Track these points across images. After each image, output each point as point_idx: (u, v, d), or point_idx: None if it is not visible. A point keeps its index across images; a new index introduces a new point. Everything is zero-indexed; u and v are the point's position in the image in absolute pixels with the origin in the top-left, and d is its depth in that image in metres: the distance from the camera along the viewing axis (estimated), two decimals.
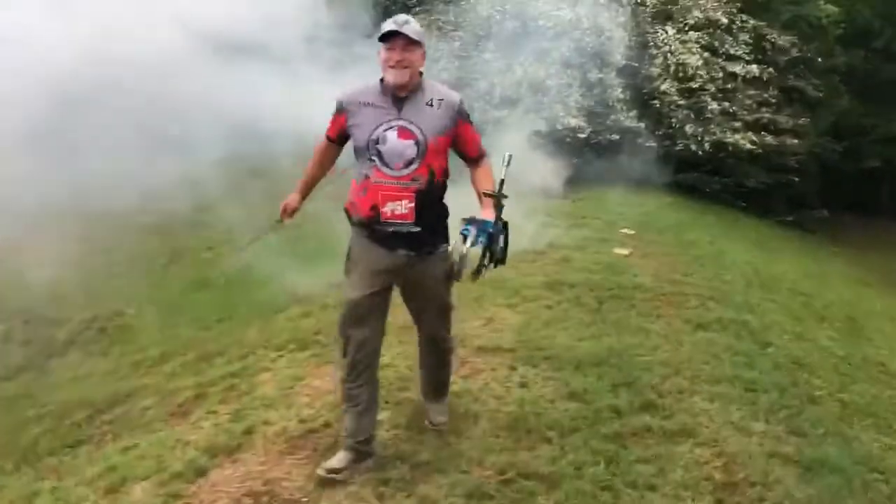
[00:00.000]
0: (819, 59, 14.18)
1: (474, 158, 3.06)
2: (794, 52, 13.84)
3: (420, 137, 2.83)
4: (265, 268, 7.05)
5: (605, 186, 12.53)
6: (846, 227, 16.37)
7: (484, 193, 2.95)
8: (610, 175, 12.97)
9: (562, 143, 12.38)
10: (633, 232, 8.75)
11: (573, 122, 12.21)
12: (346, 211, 3.04)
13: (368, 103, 2.88)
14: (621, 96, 12.78)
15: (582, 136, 12.31)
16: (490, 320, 5.11)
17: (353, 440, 3.04)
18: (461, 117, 2.96)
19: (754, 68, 12.94)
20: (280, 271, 6.87)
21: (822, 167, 15.43)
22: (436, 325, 3.20)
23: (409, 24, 2.81)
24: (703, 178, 13.43)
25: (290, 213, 3.19)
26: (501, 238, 2.99)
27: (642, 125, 12.87)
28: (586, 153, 12.81)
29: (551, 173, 11.65)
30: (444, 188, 2.99)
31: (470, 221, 2.88)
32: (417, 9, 13.21)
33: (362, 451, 3.05)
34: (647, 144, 13.04)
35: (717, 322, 5.27)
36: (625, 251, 7.55)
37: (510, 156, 3.04)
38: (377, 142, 2.84)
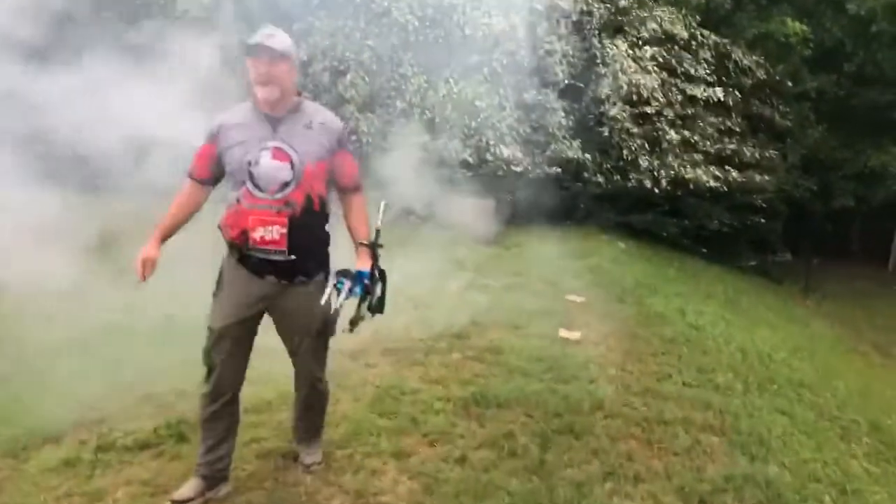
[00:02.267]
0: (789, 83, 12.91)
1: (347, 189, 2.99)
2: (761, 74, 12.55)
3: (296, 160, 2.80)
4: None
5: (545, 230, 10.89)
6: (815, 274, 15.13)
7: (360, 243, 2.98)
8: (551, 216, 11.35)
9: (493, 177, 10.67)
10: (582, 299, 6.98)
11: (507, 151, 10.52)
12: (220, 230, 2.93)
13: (241, 124, 2.84)
14: (564, 122, 11.19)
15: (517, 168, 10.62)
16: (359, 496, 3.16)
17: (207, 467, 3.02)
18: (341, 146, 2.94)
19: (718, 91, 11.53)
20: None
21: (790, 206, 14.15)
22: (309, 361, 3.10)
23: (274, 36, 2.75)
24: (659, 219, 11.93)
25: (151, 266, 2.88)
26: (378, 288, 3.02)
27: (588, 157, 11.32)
28: (522, 189, 11.10)
29: (480, 214, 9.93)
30: (323, 216, 2.93)
31: (344, 274, 2.92)
32: (321, 13, 11.33)
33: (216, 476, 3.04)
34: (595, 179, 11.45)
35: (729, 483, 3.47)
36: (574, 334, 5.74)
37: (386, 204, 3.06)
38: (250, 164, 2.78)
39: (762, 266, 14.27)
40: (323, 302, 2.87)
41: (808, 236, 15.04)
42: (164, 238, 2.94)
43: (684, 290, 9.03)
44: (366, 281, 2.92)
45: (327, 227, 2.96)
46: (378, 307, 3.03)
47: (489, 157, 10.58)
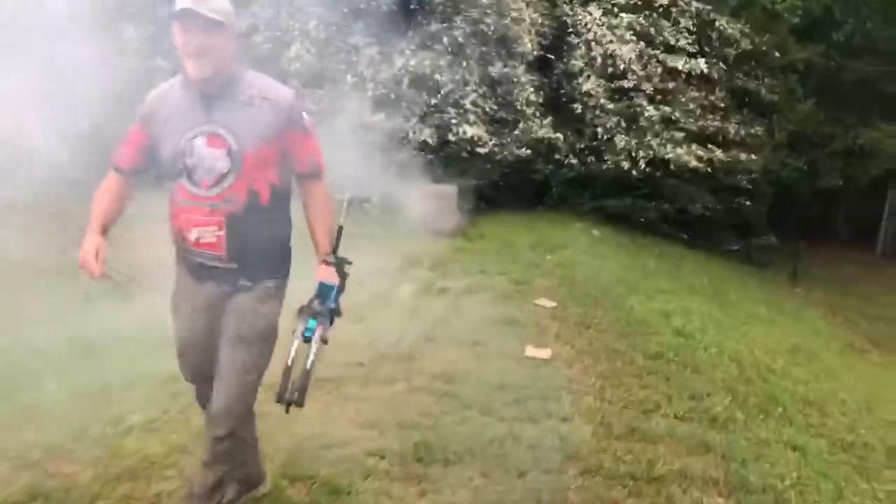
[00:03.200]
0: (775, 54, 12.14)
1: (303, 176, 2.47)
2: (745, 45, 11.78)
3: (234, 146, 2.33)
4: None
5: (514, 218, 10.09)
6: (800, 257, 14.48)
7: (324, 260, 2.45)
8: (519, 202, 10.54)
9: (455, 158, 9.83)
10: (552, 304, 6.16)
11: (470, 131, 9.67)
12: None
13: (172, 104, 2.41)
14: (533, 98, 10.33)
15: (482, 150, 9.78)
16: None
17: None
18: (291, 124, 2.39)
19: (700, 63, 10.73)
20: None
21: (775, 187, 13.45)
22: (224, 385, 2.48)
23: (208, 0, 2.27)
24: (637, 203, 11.16)
25: (104, 254, 2.42)
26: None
27: (560, 136, 10.49)
28: (487, 172, 10.28)
29: (441, 202, 9.11)
30: (277, 211, 2.43)
31: (312, 313, 2.37)
32: None
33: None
34: (567, 161, 10.63)
35: None
36: (544, 352, 4.92)
37: (350, 198, 2.57)
38: (183, 153, 2.36)
39: (745, 251, 13.60)
40: (289, 362, 2.39)
41: (795, 218, 14.38)
42: (105, 229, 2.51)
43: (667, 286, 8.27)
44: (332, 303, 2.41)
45: (283, 222, 2.50)
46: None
47: (451, 137, 9.76)
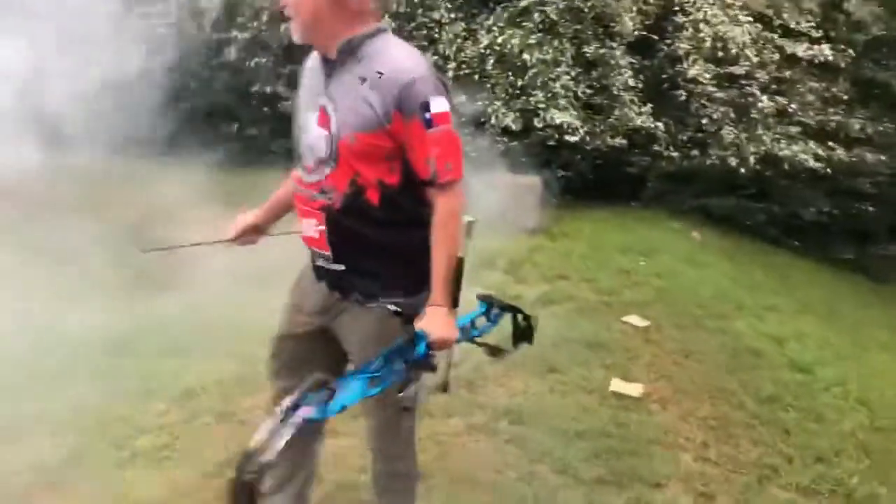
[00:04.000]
0: None
1: (424, 183, 1.97)
2: (877, 30, 10.49)
3: (333, 128, 1.97)
4: None
5: (604, 215, 9.26)
6: None
7: (429, 304, 1.94)
8: (611, 197, 9.69)
9: (542, 147, 9.07)
10: (645, 323, 5.34)
11: (559, 117, 8.85)
12: None
13: (307, 72, 2.12)
14: (631, 82, 9.42)
15: (572, 138, 8.95)
16: None
17: None
18: (401, 108, 1.87)
19: (825, 50, 9.55)
20: None
21: None
22: (370, 426, 2.27)
23: None
24: (743, 205, 10.12)
25: (239, 230, 2.37)
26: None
27: (660, 126, 9.54)
28: (576, 163, 9.45)
29: (523, 194, 8.36)
30: (393, 217, 2.00)
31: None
32: None
33: None
34: (667, 154, 9.68)
35: None
36: (634, 388, 4.15)
37: (472, 222, 2.31)
38: (301, 129, 2.10)
39: (860, 260, 12.25)
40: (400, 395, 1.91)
41: None
42: (267, 213, 2.40)
43: (776, 302, 7.31)
44: (402, 359, 1.85)
45: (406, 231, 2.04)
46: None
47: (537, 123, 8.96)
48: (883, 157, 10.31)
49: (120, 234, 6.36)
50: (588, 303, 5.81)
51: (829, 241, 11.33)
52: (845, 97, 10.40)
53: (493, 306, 2.24)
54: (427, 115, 1.87)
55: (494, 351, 2.32)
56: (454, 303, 1.95)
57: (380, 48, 1.94)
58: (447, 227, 1.95)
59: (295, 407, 1.72)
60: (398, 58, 1.92)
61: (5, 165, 9.32)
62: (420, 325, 1.88)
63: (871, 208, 10.89)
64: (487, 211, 8.24)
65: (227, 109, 11.23)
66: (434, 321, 1.88)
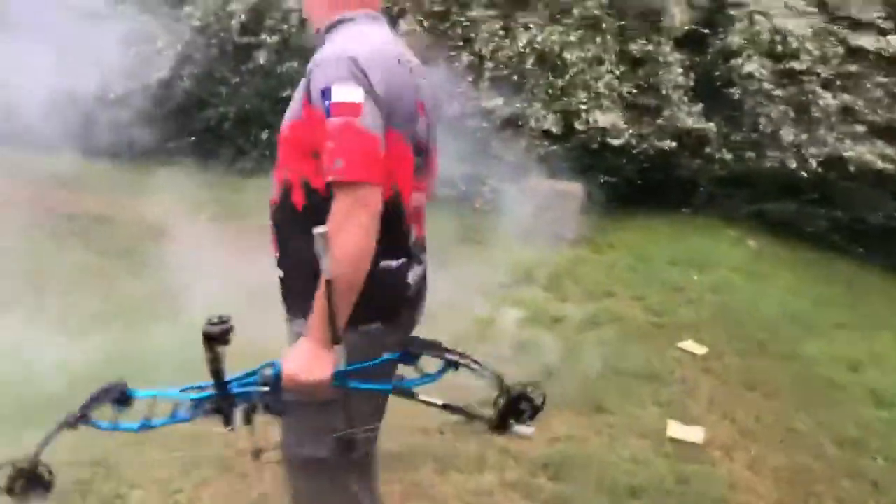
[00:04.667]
0: None
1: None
2: None
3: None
4: None
5: (650, 222, 8.70)
6: None
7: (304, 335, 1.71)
8: (658, 202, 9.13)
9: (584, 150, 8.55)
10: (703, 350, 4.81)
11: (603, 118, 8.32)
12: None
13: None
14: (681, 80, 8.83)
15: (616, 141, 8.42)
16: None
17: None
18: (309, 95, 1.72)
19: (893, 41, 8.83)
20: None
21: None
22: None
23: None
24: (805, 210, 9.41)
25: None
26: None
27: (712, 126, 8.93)
28: (621, 167, 8.91)
29: (564, 200, 7.86)
30: (311, 222, 1.63)
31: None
32: None
33: None
34: (720, 156, 9.07)
35: None
36: (694, 432, 3.62)
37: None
38: None
39: None
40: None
41: None
42: None
43: (846, 319, 6.67)
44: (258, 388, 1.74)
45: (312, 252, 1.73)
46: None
47: (579, 125, 8.44)
48: None
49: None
50: (638, 325, 5.28)
51: (891, 248, 10.54)
52: None
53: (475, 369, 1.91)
54: (327, 103, 1.64)
55: (468, 416, 2.01)
56: (334, 338, 1.63)
57: (334, 36, 1.81)
58: (338, 230, 1.61)
59: (82, 414, 1.74)
60: (335, 43, 1.76)
61: (39, 171, 9.15)
62: (284, 357, 1.68)
63: None
64: (527, 219, 7.79)
65: (258, 115, 10.91)
66: (295, 356, 1.66)
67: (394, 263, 1.80)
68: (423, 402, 1.93)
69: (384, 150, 1.66)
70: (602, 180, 8.81)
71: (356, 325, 1.72)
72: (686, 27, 8.94)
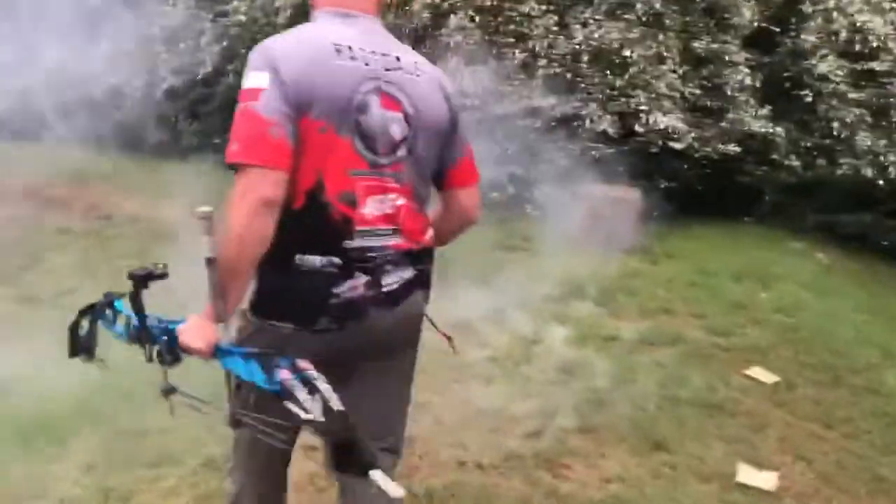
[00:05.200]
0: None
1: None
2: None
3: None
4: None
5: (712, 231, 8.27)
6: None
7: None
8: (720, 210, 8.68)
9: (642, 154, 8.16)
10: (773, 379, 4.40)
11: (664, 120, 7.91)
12: None
13: None
14: (748, 81, 8.36)
15: (678, 144, 8.00)
16: None
17: None
18: None
19: None
20: None
21: None
22: None
23: None
24: (879, 222, 8.82)
25: None
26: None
27: (780, 130, 8.44)
28: (682, 173, 8.47)
29: (620, 207, 7.48)
30: None
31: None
32: None
33: None
34: (788, 163, 8.56)
35: None
36: (767, 478, 3.24)
37: (208, 213, 1.67)
38: None
39: None
40: None
41: None
42: None
43: None
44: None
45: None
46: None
47: (638, 127, 8.06)
48: None
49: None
50: (699, 347, 4.87)
51: None
52: None
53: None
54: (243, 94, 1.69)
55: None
56: (217, 316, 1.68)
57: None
58: (228, 211, 1.63)
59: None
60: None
61: (83, 164, 9.10)
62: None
63: None
64: (578, 227, 7.41)
65: None
66: (189, 322, 1.71)
67: (317, 262, 1.71)
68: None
69: (290, 137, 1.61)
70: (661, 186, 8.38)
71: (267, 317, 1.76)
72: (756, 24, 8.45)
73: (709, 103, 8.46)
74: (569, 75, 8.40)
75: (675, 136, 7.96)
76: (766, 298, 6.06)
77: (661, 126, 7.89)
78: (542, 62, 8.38)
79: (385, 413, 1.99)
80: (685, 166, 8.41)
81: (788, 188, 8.94)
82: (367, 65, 1.72)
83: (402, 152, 1.78)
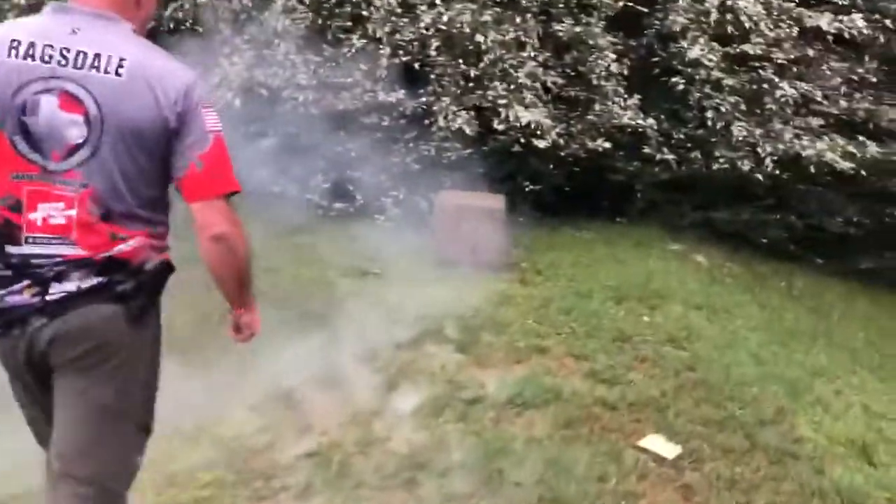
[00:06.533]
0: None
1: None
2: None
3: None
4: None
5: (584, 236, 7.55)
6: None
7: None
8: (591, 212, 7.99)
9: (504, 154, 7.28)
10: (675, 451, 3.55)
11: (526, 115, 7.07)
12: None
13: None
14: (615, 68, 7.66)
15: (541, 142, 7.20)
16: None
17: None
18: None
19: (858, 21, 7.86)
20: None
21: None
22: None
23: None
24: (759, 218, 8.39)
25: None
26: None
27: (651, 122, 7.80)
28: (548, 173, 7.67)
29: (481, 216, 6.62)
30: None
31: None
32: None
33: None
34: (661, 157, 7.93)
35: None
36: None
37: None
38: None
39: (877, 270, 10.61)
40: None
41: None
42: None
43: (824, 359, 5.61)
44: None
45: None
46: None
47: (498, 124, 7.17)
48: None
49: None
50: (581, 405, 3.98)
51: (857, 257, 9.62)
52: (874, 80, 8.72)
53: None
54: None
55: None
56: None
57: None
58: None
59: None
60: None
61: None
62: None
63: None
64: (435, 242, 6.47)
65: None
66: None
67: None
68: None
69: None
70: (526, 189, 7.56)
71: None
72: (620, 4, 7.74)
73: (573, 93, 7.70)
74: (417, 65, 7.43)
75: (539, 132, 7.13)
76: (652, 325, 5.28)
77: (523, 122, 7.05)
78: (385, 50, 7.35)
79: (74, 436, 1.84)
80: (551, 166, 7.62)
81: (662, 184, 8.32)
82: (46, 63, 1.69)
83: (80, 157, 1.72)
